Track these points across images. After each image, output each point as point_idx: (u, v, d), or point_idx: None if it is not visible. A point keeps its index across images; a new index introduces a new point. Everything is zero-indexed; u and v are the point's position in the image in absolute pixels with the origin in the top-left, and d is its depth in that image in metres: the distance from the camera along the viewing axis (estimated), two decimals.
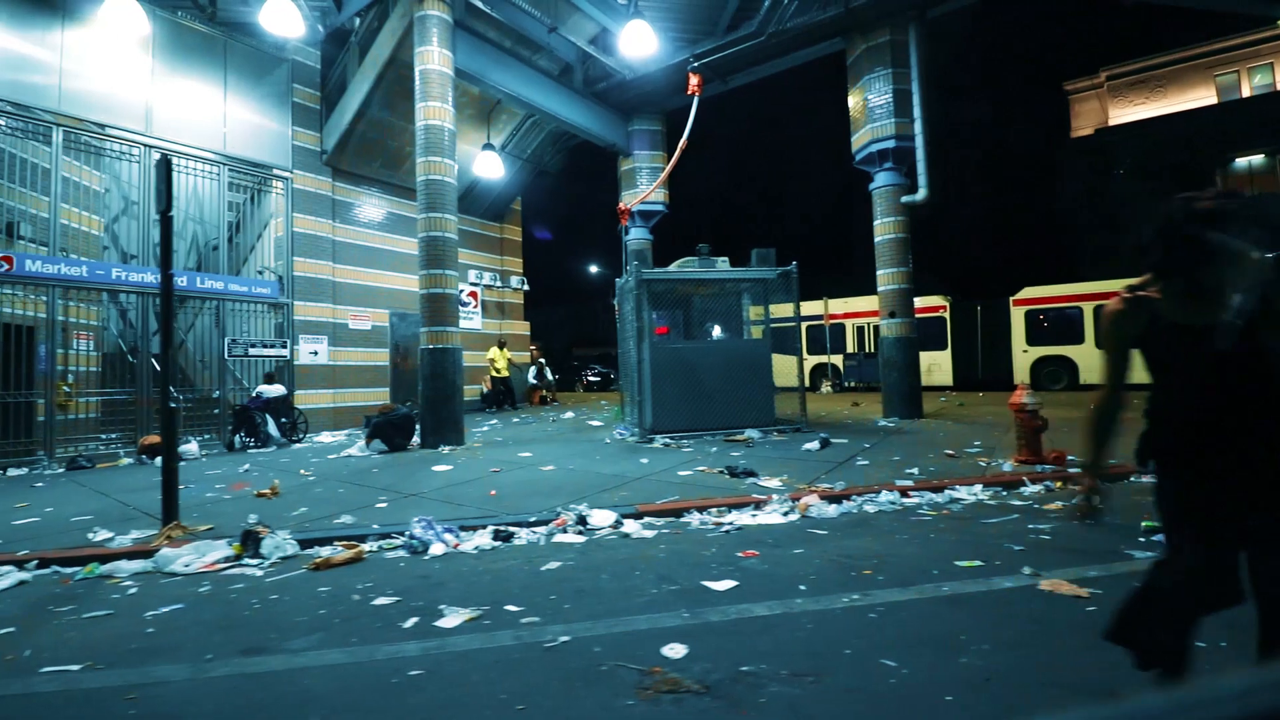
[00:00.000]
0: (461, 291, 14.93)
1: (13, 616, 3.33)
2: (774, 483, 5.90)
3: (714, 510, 5.12)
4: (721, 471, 6.40)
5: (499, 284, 15.81)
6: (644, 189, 13.89)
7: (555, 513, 5.05)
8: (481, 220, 15.60)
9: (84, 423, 9.72)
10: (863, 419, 10.68)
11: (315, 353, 11.88)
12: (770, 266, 9.46)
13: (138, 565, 4.20)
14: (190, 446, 9.26)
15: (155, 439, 9.14)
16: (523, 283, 16.27)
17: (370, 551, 4.35)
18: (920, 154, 10.19)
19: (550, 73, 12.40)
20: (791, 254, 9.51)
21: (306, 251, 11.86)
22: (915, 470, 6.19)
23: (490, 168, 12.98)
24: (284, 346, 11.33)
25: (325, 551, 4.39)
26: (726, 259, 9.77)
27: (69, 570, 4.22)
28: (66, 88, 9.31)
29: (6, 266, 8.58)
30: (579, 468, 6.98)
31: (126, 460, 9.00)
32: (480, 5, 10.65)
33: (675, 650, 2.49)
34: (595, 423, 11.57)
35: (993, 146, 30.61)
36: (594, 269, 49.53)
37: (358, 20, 11.99)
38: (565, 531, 4.70)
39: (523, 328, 16.58)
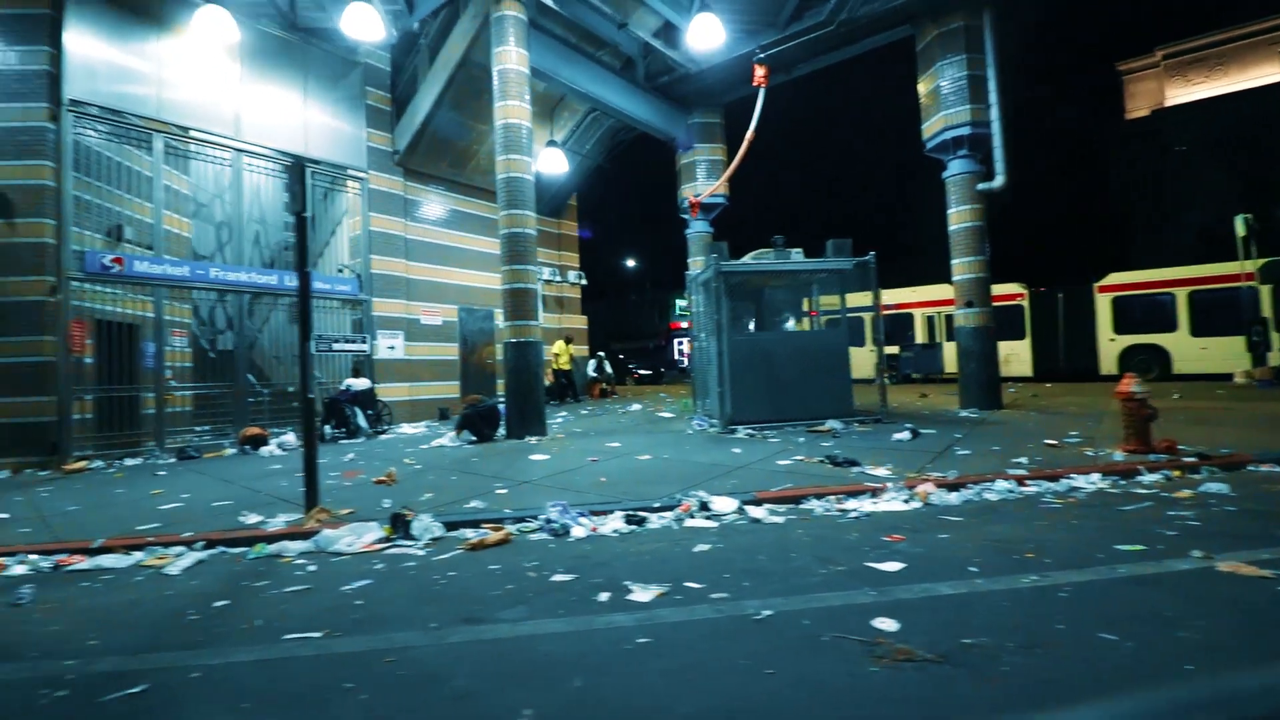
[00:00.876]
0: None
1: (218, 591, 3.59)
2: (881, 471, 5.95)
3: (832, 497, 5.20)
4: (822, 461, 6.46)
5: (558, 279, 16.04)
6: (703, 182, 13.95)
7: (675, 499, 5.19)
8: (540, 216, 15.80)
9: (179, 416, 10.22)
10: (939, 410, 10.61)
11: (392, 347, 12.25)
12: (847, 257, 9.45)
13: (302, 545, 4.46)
14: (288, 437, 9.67)
15: (255, 430, 9.60)
16: (580, 277, 16.48)
17: (513, 535, 4.54)
18: (997, 140, 10.05)
19: (613, 68, 12.52)
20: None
21: (382, 250, 12.22)
22: (1024, 460, 6.18)
23: (554, 164, 13.17)
24: (363, 342, 11.67)
25: (471, 534, 4.60)
26: (801, 250, 9.79)
27: (236, 550, 4.52)
28: (164, 97, 9.76)
29: (118, 267, 9.06)
30: (674, 457, 7.12)
31: (230, 450, 9.43)
32: (550, 3, 10.80)
33: (886, 624, 2.60)
34: (666, 414, 11.71)
35: (1046, 130, 29.82)
36: (630, 263, 49.75)
37: (417, 25, 12.28)
38: (693, 516, 4.84)
39: (580, 322, 16.80)
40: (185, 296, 10.42)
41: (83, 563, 4.35)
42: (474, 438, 9.11)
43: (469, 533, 4.65)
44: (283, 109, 11.02)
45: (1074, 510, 4.60)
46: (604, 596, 3.11)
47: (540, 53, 10.71)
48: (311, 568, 3.97)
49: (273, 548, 4.44)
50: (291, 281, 10.90)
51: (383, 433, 10.71)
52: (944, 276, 19.12)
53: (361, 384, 10.57)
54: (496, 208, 14.63)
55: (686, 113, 13.86)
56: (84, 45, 9.03)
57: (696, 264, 13.92)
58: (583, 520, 4.69)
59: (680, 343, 51.77)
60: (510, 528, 4.69)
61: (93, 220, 9.26)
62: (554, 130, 14.09)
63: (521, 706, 2.06)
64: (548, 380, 15.29)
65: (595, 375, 15.88)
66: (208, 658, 2.60)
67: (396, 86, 12.71)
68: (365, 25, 9.85)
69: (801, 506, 5.04)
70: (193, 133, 10.04)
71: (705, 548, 3.96)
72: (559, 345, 14.91)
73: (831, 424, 8.67)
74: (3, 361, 8.59)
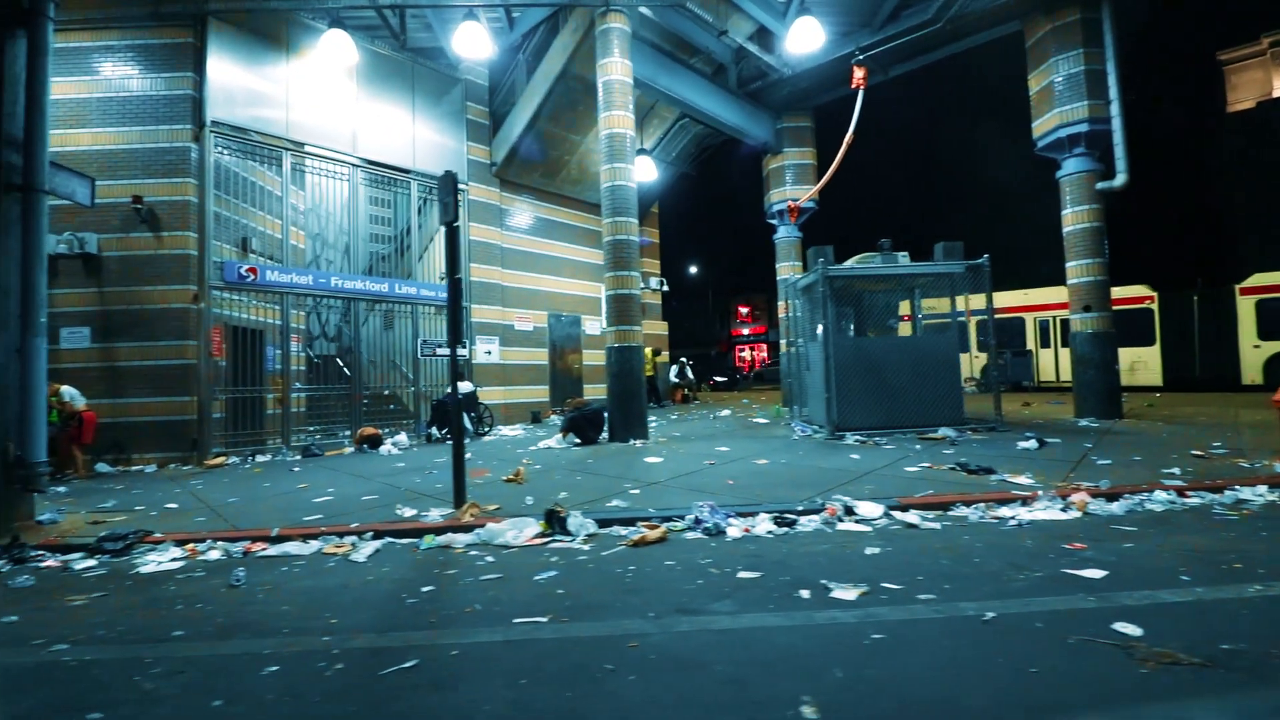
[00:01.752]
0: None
1: (416, 578, 3.79)
2: (1022, 480, 5.75)
3: (981, 505, 5.06)
4: (953, 468, 6.30)
5: (640, 285, 16.17)
6: (791, 186, 13.86)
7: (817, 503, 5.15)
8: None
9: (294, 416, 10.81)
10: (1052, 419, 10.18)
11: (489, 352, 12.65)
12: (958, 260, 9.21)
13: (468, 538, 4.66)
14: (401, 437, 10.12)
15: (371, 430, 10.07)
16: (662, 284, 16.61)
17: (668, 533, 4.61)
18: (1118, 137, 9.61)
19: (705, 74, 12.61)
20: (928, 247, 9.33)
21: (480, 258, 12.66)
22: (1175, 470, 5.86)
23: (643, 172, 13.33)
24: (463, 347, 12.14)
25: (623, 530, 4.70)
26: (907, 254, 9.59)
27: (404, 541, 4.75)
28: (292, 117, 10.42)
29: (252, 277, 9.71)
30: (791, 462, 7.08)
31: (349, 449, 9.92)
32: (649, 14, 11.00)
33: (1129, 629, 2.52)
34: (760, 420, 11.65)
35: (1148, 125, 28.24)
36: (692, 270, 49.73)
37: (516, 40, 12.69)
38: (841, 520, 4.80)
39: (661, 327, 16.92)
40: (300, 303, 11.05)
41: (267, 549, 4.67)
42: (578, 440, 9.30)
43: (621, 529, 4.76)
44: (393, 125, 11.60)
45: (1255, 522, 4.33)
46: (805, 594, 3.13)
47: (639, 62, 10.90)
48: (489, 559, 4.13)
49: (441, 539, 4.65)
50: (403, 289, 11.43)
51: (484, 435, 11.05)
52: (1034, 280, 18.35)
53: (466, 387, 10.95)
54: (584, 216, 15.09)
55: (775, 117, 13.82)
56: (222, 71, 9.75)
57: (785, 270, 13.83)
58: (732, 520, 4.72)
59: (742, 351, 51.37)
60: (661, 526, 4.77)
61: (225, 233, 9.96)
62: (643, 138, 14.30)
63: (797, 694, 2.10)
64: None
65: (678, 381, 15.97)
66: (452, 637, 2.75)
67: (493, 101, 13.17)
68: (474, 43, 10.27)
69: (951, 513, 4.93)
70: (317, 150, 10.68)
71: (875, 551, 3.93)
72: (645, 351, 15.04)
73: (945, 431, 8.44)
74: (151, 364, 9.33)
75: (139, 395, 9.25)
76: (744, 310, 52.21)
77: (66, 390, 8.38)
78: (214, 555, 4.55)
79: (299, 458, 9.40)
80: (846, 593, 3.11)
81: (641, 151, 13.40)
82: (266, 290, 10.03)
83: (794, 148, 13.89)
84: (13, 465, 5.37)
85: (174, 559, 4.49)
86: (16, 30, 5.63)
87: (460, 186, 12.44)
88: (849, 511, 4.95)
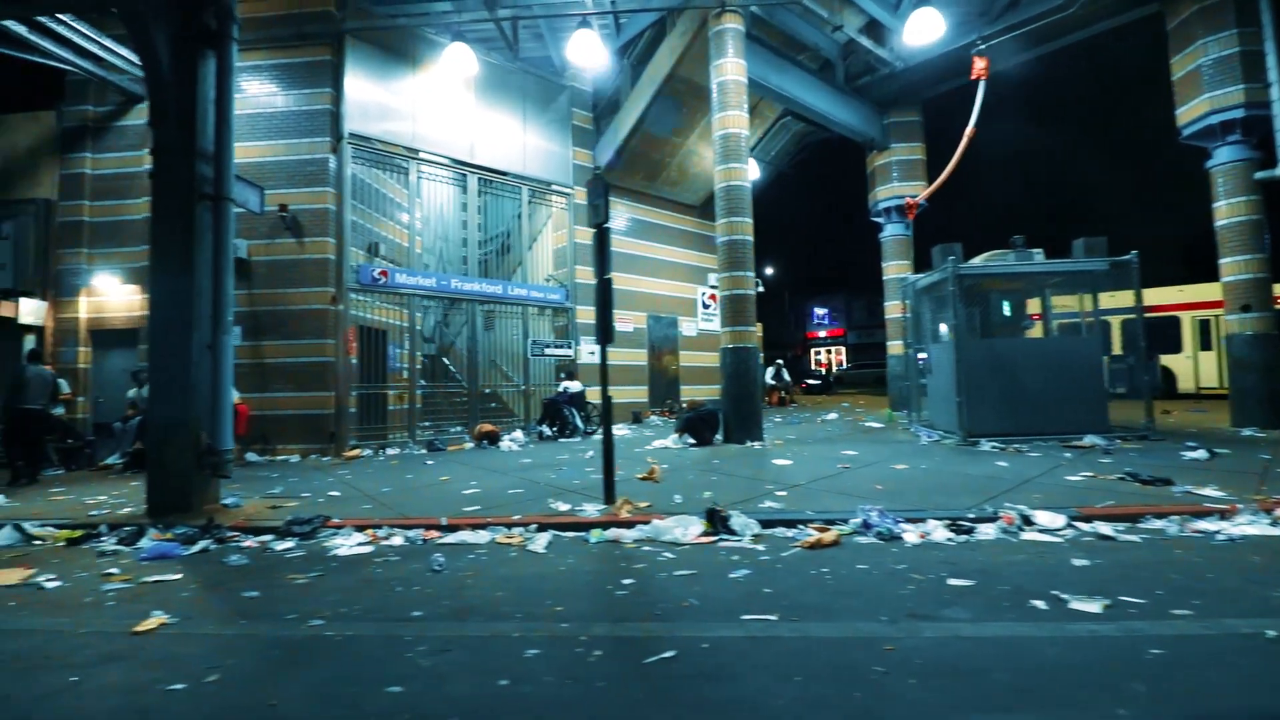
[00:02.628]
0: (704, 295, 15.43)
1: (605, 570, 3.87)
2: (1207, 491, 5.32)
3: (1174, 517, 4.71)
4: (1122, 478, 5.90)
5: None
6: (898, 183, 13.42)
7: (986, 510, 4.93)
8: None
9: (410, 413, 11.28)
10: (1206, 428, 9.40)
11: (593, 353, 12.83)
12: (1100, 257, 8.65)
13: (634, 533, 4.71)
14: (518, 434, 10.40)
15: (490, 427, 10.40)
16: (757, 284, 16.38)
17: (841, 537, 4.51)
18: None
19: (812, 71, 12.38)
20: (1047, 244, 8.74)
21: (585, 260, 12.87)
22: None
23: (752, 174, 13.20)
24: (569, 347, 12.40)
25: (789, 532, 4.64)
26: (1041, 251, 9.09)
27: (568, 533, 4.85)
28: (418, 128, 10.93)
29: (384, 280, 10.23)
30: (932, 468, 6.82)
31: (469, 445, 10.29)
32: (758, 12, 10.90)
33: None
34: (873, 424, 11.32)
35: None
36: (769, 271, 49.00)
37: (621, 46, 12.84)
38: (1023, 530, 4.57)
39: (756, 329, 16.70)
40: (418, 305, 11.55)
41: (443, 537, 4.87)
42: (693, 441, 9.30)
43: (786, 531, 4.70)
44: (506, 133, 11.98)
45: None
46: (1039, 604, 2.98)
47: (750, 61, 10.78)
48: (666, 555, 4.16)
49: (608, 534, 4.72)
50: (514, 291, 11.78)
51: (592, 433, 11.21)
52: (1160, 280, 16.98)
53: (576, 386, 11.16)
54: (681, 218, 15.12)
55: (882, 112, 13.42)
56: (357, 86, 10.33)
57: (892, 269, 13.41)
58: (904, 526, 4.58)
59: (818, 353, 50.16)
60: (831, 529, 4.68)
61: (356, 238, 10.53)
62: None
63: (1113, 707, 1.99)
64: None
65: (774, 383, 15.74)
66: (690, 630, 2.77)
67: (596, 107, 13.40)
68: (587, 50, 10.46)
69: (1142, 525, 4.60)
70: (439, 158, 11.16)
71: (1083, 563, 3.71)
72: None
73: (1092, 439, 7.93)
74: (294, 361, 9.98)
75: (282, 390, 9.90)
76: (820, 312, 51.02)
77: None
78: (396, 541, 4.78)
79: (424, 451, 9.82)
80: (1088, 605, 2.93)
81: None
82: (394, 292, 10.55)
83: (902, 143, 13.44)
84: (204, 453, 5.85)
85: (359, 543, 4.75)
86: (206, 51, 6.13)
87: (566, 190, 12.80)
88: (1027, 521, 4.70)
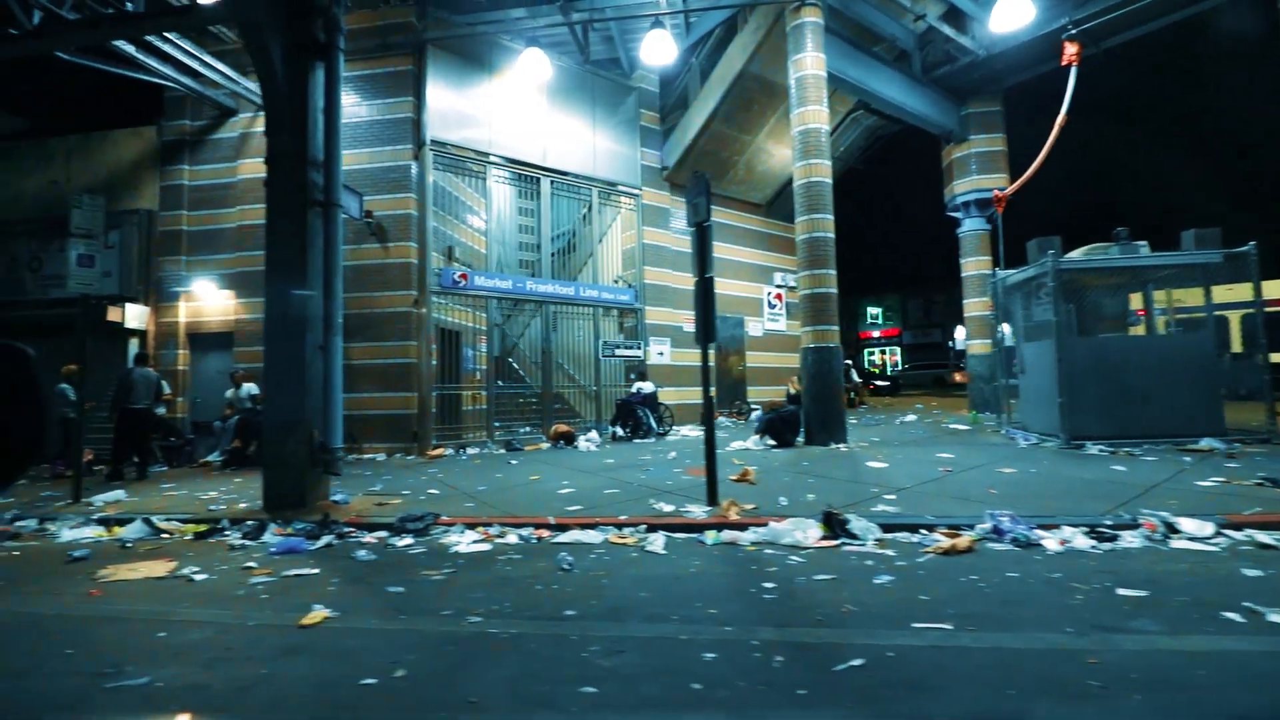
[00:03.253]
0: (769, 294, 15.21)
1: (739, 573, 3.79)
2: None
3: None
4: (1260, 483, 5.50)
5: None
6: (977, 175, 12.95)
7: (1121, 516, 4.66)
8: (783, 223, 15.72)
9: (488, 413, 11.45)
10: None
11: (661, 353, 12.81)
12: (1213, 249, 8.13)
13: (751, 535, 4.62)
14: (593, 435, 10.44)
15: (565, 428, 10.46)
16: None
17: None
18: None
19: (887, 62, 12.05)
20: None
21: (652, 260, 12.86)
22: None
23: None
24: (638, 348, 12.39)
25: (913, 537, 4.48)
26: (1146, 243, 8.60)
27: (678, 535, 4.79)
28: (494, 134, 11.10)
29: (464, 282, 10.42)
30: (1042, 471, 6.50)
31: (545, 445, 10.38)
32: (835, 5, 10.68)
33: None
34: (958, 426, 10.93)
35: None
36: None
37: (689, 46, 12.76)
38: (1169, 538, 4.29)
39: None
40: (483, 305, 11.72)
41: (556, 536, 4.88)
42: (774, 442, 9.14)
43: (910, 536, 4.53)
44: (576, 136, 12.07)
45: None
46: (1234, 617, 2.77)
47: (828, 55, 10.59)
48: (794, 558, 4.06)
49: (723, 536, 4.65)
50: (586, 292, 11.85)
51: (665, 434, 11.17)
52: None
53: (648, 387, 11.14)
54: (747, 216, 14.95)
55: (960, 103, 12.98)
56: (437, 94, 10.56)
57: (971, 265, 12.95)
58: (1040, 533, 4.36)
59: (871, 353, 48.96)
60: (963, 535, 4.49)
61: (435, 243, 10.75)
62: None
63: None
64: (793, 389, 15.09)
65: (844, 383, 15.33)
66: (863, 637, 2.67)
67: (663, 107, 13.37)
68: (659, 50, 10.44)
69: None
70: (513, 162, 11.31)
71: (1258, 572, 3.44)
72: None
73: (1209, 443, 7.44)
74: (379, 363, 10.25)
75: (368, 390, 10.18)
76: (874, 311, 49.80)
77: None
78: (512, 540, 4.82)
79: (503, 451, 9.95)
80: None
81: None
82: (472, 295, 10.74)
83: (981, 134, 12.96)
84: (318, 450, 6.03)
85: (475, 541, 4.80)
86: (315, 62, 6.34)
87: (634, 191, 12.81)
88: (1171, 528, 4.42)
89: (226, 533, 5.45)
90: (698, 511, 5.32)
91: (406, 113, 10.48)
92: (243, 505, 6.27)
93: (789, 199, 15.09)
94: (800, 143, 9.45)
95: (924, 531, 4.59)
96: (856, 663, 2.40)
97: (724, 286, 14.28)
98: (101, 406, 9.71)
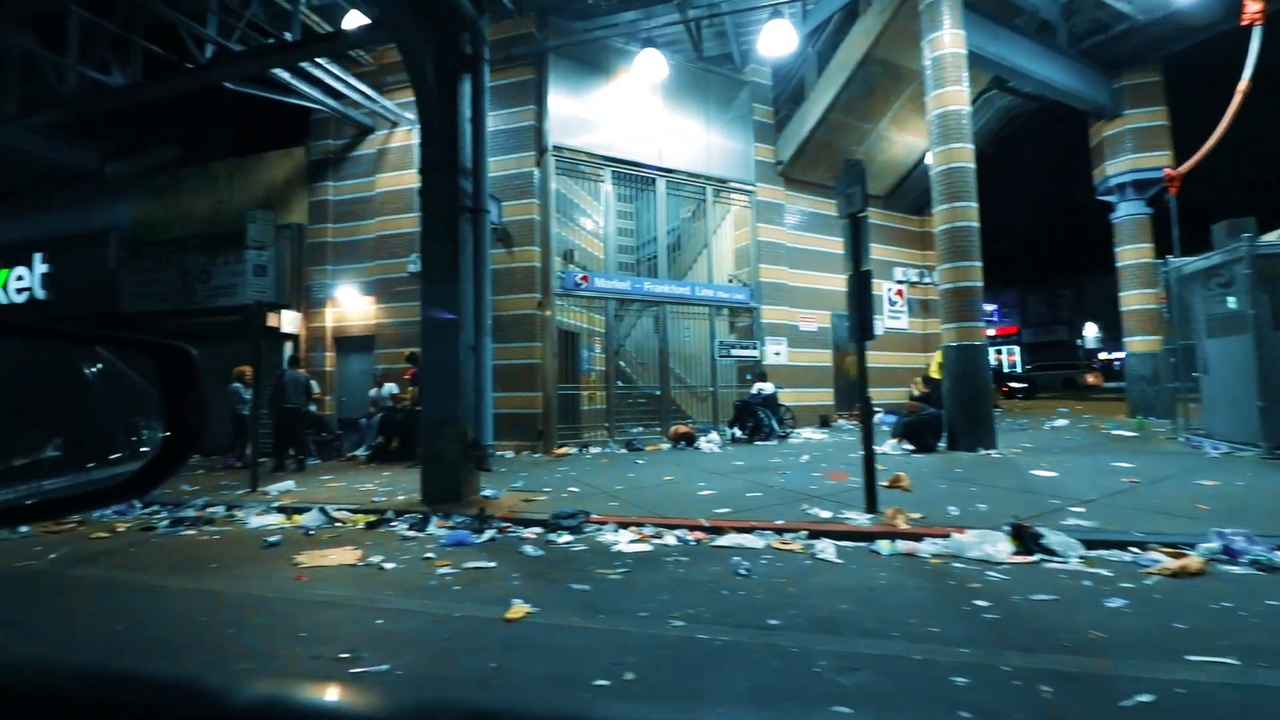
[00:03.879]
0: (889, 290, 14.48)
1: (935, 589, 3.52)
2: None
3: None
4: None
5: (923, 280, 14.94)
6: (1132, 154, 11.71)
7: None
8: (903, 215, 14.94)
9: (598, 413, 11.52)
10: None
11: (778, 353, 12.47)
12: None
13: (932, 547, 4.31)
14: (714, 436, 10.29)
15: (685, 429, 10.36)
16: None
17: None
18: None
19: (1028, 35, 11.12)
20: None
21: (768, 258, 12.55)
22: None
23: None
24: (753, 348, 12.12)
25: (1124, 556, 4.00)
26: None
27: (846, 543, 4.53)
28: (611, 136, 11.20)
29: (585, 285, 10.58)
30: (1251, 486, 5.72)
31: (665, 445, 10.33)
32: None
33: None
34: (1120, 432, 9.91)
35: None
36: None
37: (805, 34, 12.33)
38: None
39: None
40: (596, 306, 11.80)
41: (717, 539, 4.75)
42: (912, 447, 8.63)
43: (1115, 554, 4.05)
44: (690, 134, 11.97)
45: None
46: None
47: (965, 31, 9.93)
48: (996, 575, 3.71)
49: (899, 546, 4.35)
50: (701, 291, 11.73)
51: (785, 436, 10.84)
52: None
53: (769, 388, 10.86)
54: (876, 211, 14.26)
55: (1113, 75, 11.79)
56: (557, 101, 10.78)
57: (1128, 254, 11.74)
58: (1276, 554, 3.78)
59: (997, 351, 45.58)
60: (1190, 555, 3.97)
61: (556, 246, 10.97)
62: None
63: None
64: (916, 390, 14.28)
65: None
66: (1131, 669, 2.36)
67: (776, 100, 13.03)
68: (780, 40, 10.16)
69: None
70: (629, 164, 11.38)
71: None
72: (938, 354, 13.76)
73: None
74: (505, 364, 10.56)
75: (496, 390, 10.47)
76: (989, 308, 46.49)
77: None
78: (670, 540, 4.75)
79: (625, 451, 9.99)
80: None
81: None
82: (593, 296, 10.88)
83: (1138, 109, 11.70)
84: (470, 447, 6.24)
85: (632, 540, 4.77)
86: (463, 75, 6.58)
87: (748, 187, 12.54)
88: None
89: (393, 523, 5.73)
90: (860, 519, 5.04)
91: (529, 121, 10.76)
92: (401, 498, 6.60)
93: (910, 189, 14.41)
94: (939, 126, 8.88)
95: (1134, 550, 4.09)
96: (1145, 699, 2.10)
97: (839, 282, 13.60)
98: (261, 405, 10.66)
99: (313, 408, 10.68)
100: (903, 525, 4.77)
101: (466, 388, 6.26)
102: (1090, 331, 46.83)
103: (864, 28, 10.94)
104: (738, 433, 10.78)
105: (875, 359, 14.08)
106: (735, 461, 8.37)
